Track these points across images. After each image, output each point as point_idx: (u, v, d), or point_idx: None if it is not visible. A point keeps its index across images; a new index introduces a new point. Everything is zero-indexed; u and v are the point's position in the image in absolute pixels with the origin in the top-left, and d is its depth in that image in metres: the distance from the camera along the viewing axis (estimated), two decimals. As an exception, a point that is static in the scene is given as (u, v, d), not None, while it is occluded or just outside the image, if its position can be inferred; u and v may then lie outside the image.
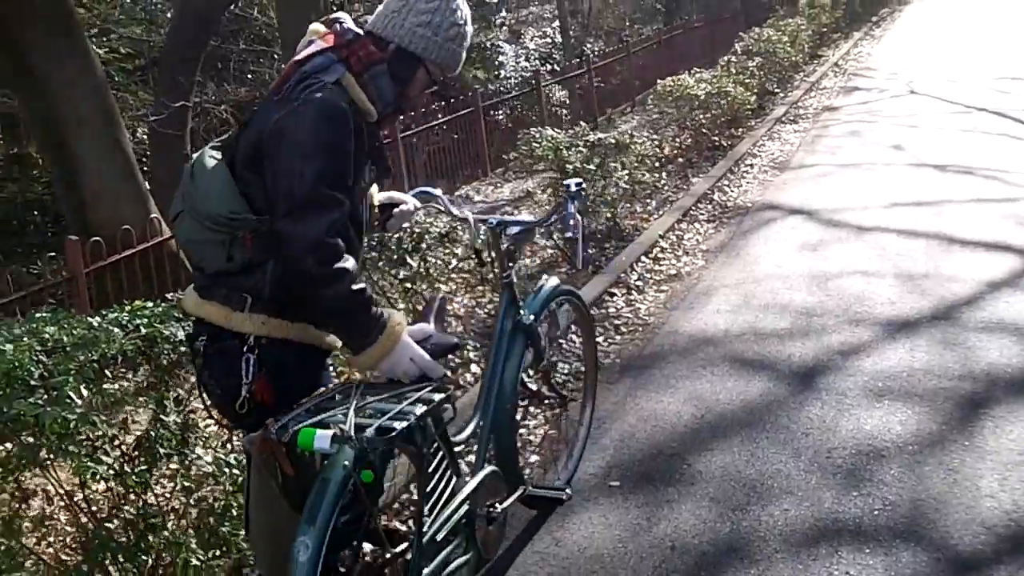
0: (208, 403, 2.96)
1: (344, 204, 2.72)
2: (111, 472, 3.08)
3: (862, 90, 16.11)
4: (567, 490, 4.23)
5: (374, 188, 3.27)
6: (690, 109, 12.17)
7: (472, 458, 3.74)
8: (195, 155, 2.88)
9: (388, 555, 2.83)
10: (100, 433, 3.00)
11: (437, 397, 2.79)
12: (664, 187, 10.02)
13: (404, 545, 2.90)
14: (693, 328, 6.19)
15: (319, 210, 2.64)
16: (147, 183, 10.33)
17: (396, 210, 3.53)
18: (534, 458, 4.76)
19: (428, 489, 2.91)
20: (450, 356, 5.24)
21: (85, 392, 3.01)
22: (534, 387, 4.29)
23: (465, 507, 3.16)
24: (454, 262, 5.68)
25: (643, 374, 5.53)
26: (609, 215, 8.22)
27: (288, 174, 2.66)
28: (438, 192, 3.82)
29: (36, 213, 13.19)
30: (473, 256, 4.06)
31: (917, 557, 3.62)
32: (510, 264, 3.85)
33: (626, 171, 8.15)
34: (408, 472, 3.97)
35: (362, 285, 2.72)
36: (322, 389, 2.79)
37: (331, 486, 2.55)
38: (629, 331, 6.29)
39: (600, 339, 6.13)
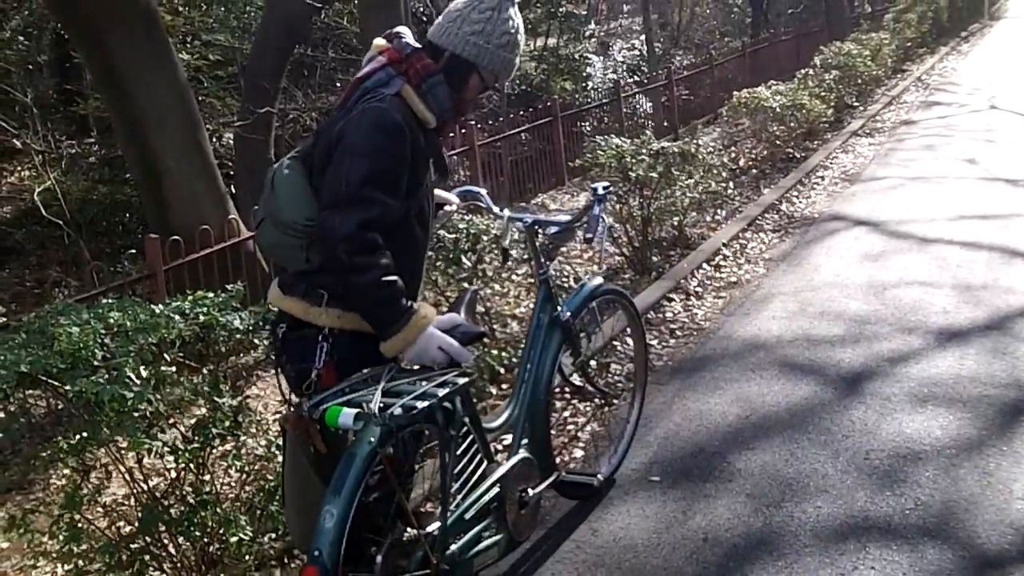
0: (282, 381, 3.21)
1: (387, 204, 2.95)
2: (166, 450, 3.30)
3: (942, 104, 15.96)
4: (598, 475, 4.40)
5: None
6: (765, 121, 12.22)
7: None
8: (275, 166, 3.15)
9: (416, 532, 2.99)
10: (154, 410, 3.22)
11: (461, 380, 2.98)
12: (735, 197, 10.10)
13: (435, 524, 3.06)
14: (747, 333, 6.30)
15: (358, 207, 2.89)
16: (231, 187, 10.69)
17: (443, 210, 3.75)
18: (579, 452, 4.92)
19: (456, 470, 3.12)
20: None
21: (143, 372, 3.24)
22: (578, 383, 4.50)
23: (496, 489, 3.36)
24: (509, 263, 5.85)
25: (693, 376, 5.65)
26: (675, 223, 8.33)
27: (338, 172, 2.94)
28: (481, 190, 4.07)
29: (126, 215, 13.54)
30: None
31: (943, 555, 3.71)
32: (546, 261, 4.06)
33: (692, 180, 8.26)
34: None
35: (392, 278, 2.92)
36: (359, 373, 2.96)
37: (356, 460, 2.73)
38: (684, 335, 6.42)
39: (654, 342, 6.27)
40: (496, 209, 4.08)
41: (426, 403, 2.77)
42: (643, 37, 25.00)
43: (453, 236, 5.41)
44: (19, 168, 15.40)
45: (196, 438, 3.41)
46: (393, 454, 2.92)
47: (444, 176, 3.37)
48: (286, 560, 4.05)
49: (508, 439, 4.06)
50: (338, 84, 18.22)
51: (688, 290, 7.30)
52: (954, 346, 5.73)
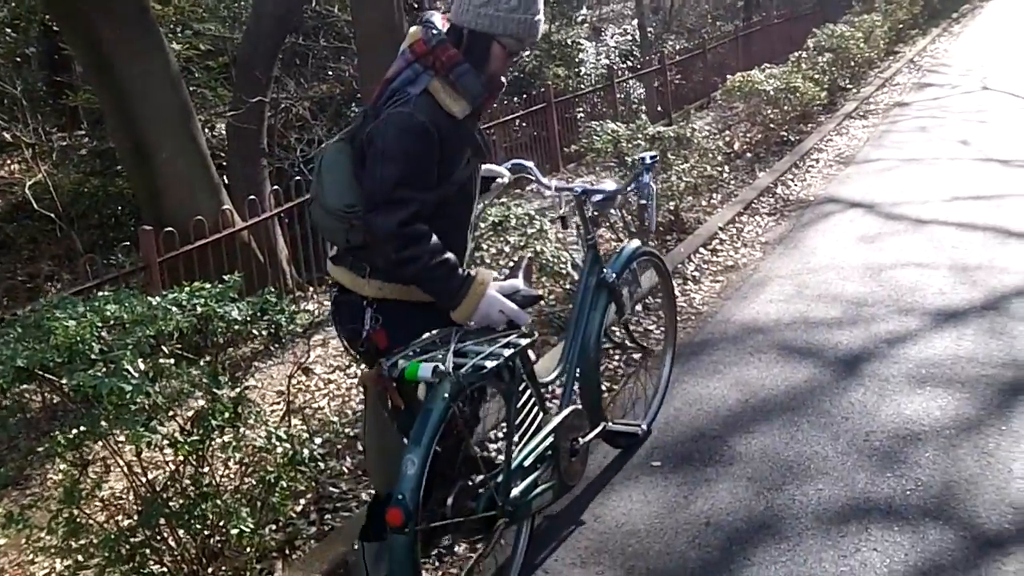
0: (341, 339, 3.56)
1: (421, 199, 3.15)
2: (165, 442, 3.29)
3: (935, 86, 15.95)
4: (643, 425, 4.69)
5: None
6: (759, 104, 12.21)
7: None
8: (323, 148, 3.40)
9: (482, 477, 3.30)
10: (153, 403, 3.20)
11: (524, 341, 3.31)
12: (730, 181, 10.09)
13: (497, 470, 3.36)
14: (745, 317, 6.29)
15: (394, 207, 3.10)
16: (224, 177, 10.64)
17: (494, 183, 3.95)
18: (619, 405, 5.02)
19: (517, 422, 3.44)
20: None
21: (141, 365, 3.23)
22: (618, 339, 4.90)
23: (550, 439, 3.66)
24: (507, 249, 5.87)
25: (692, 360, 5.64)
26: (672, 208, 8.32)
27: (372, 177, 3.15)
28: (529, 163, 4.34)
29: (118, 207, 13.49)
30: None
31: (944, 535, 3.72)
32: (594, 227, 4.39)
33: (688, 165, 8.25)
34: (500, 409, 4.25)
35: (444, 257, 3.18)
36: (426, 334, 3.20)
37: (433, 413, 3.01)
38: (682, 319, 6.40)
39: (652, 327, 6.27)
40: (545, 181, 4.38)
41: (494, 362, 3.10)
42: (635, 22, 24.90)
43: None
44: (9, 162, 15.32)
45: (195, 430, 3.40)
46: (463, 407, 3.19)
47: (484, 160, 3.54)
48: (287, 552, 4.05)
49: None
50: (330, 73, 18.17)
51: (685, 274, 7.29)
52: (951, 327, 5.73)
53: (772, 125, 12.31)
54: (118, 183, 12.96)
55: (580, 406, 4.06)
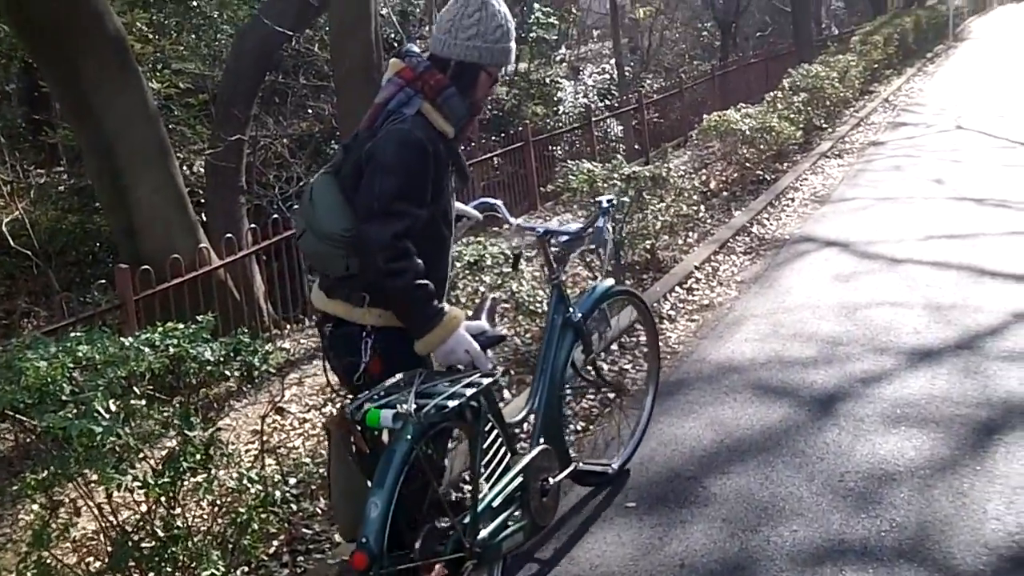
0: (330, 376, 3.62)
1: (416, 215, 3.26)
2: (136, 484, 3.27)
3: (909, 125, 16.08)
4: (613, 465, 4.66)
5: None
6: (735, 144, 12.29)
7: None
8: (312, 179, 3.46)
9: (450, 521, 3.28)
10: (124, 443, 3.18)
11: (486, 381, 3.30)
12: (706, 220, 10.13)
13: (465, 512, 3.36)
14: (720, 356, 6.31)
15: (390, 219, 3.18)
16: (202, 215, 10.63)
17: (461, 221, 4.07)
18: (595, 442, 5.08)
19: (484, 462, 3.45)
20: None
21: (112, 406, 3.21)
22: (592, 377, 4.85)
23: (519, 479, 3.64)
24: (482, 288, 5.87)
25: (667, 400, 5.63)
26: (648, 247, 8.35)
27: (370, 188, 3.23)
28: (497, 202, 4.43)
29: (96, 244, 13.46)
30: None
31: (918, 576, 3.72)
32: (559, 267, 4.39)
33: (664, 204, 8.29)
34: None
35: (425, 282, 3.24)
36: (390, 379, 3.22)
37: (396, 456, 3.02)
38: (646, 346, 6.39)
39: (628, 366, 6.29)
40: (511, 220, 4.44)
41: (456, 402, 3.09)
42: (613, 61, 25.10)
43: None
44: (-13, 198, 15.28)
45: (167, 471, 3.38)
46: (427, 450, 3.20)
47: (465, 181, 3.67)
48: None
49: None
50: (309, 110, 18.20)
51: (661, 313, 7.30)
52: (926, 366, 5.76)
53: (748, 164, 12.38)
54: (96, 220, 12.94)
55: (548, 445, 4.04)
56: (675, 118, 18.34)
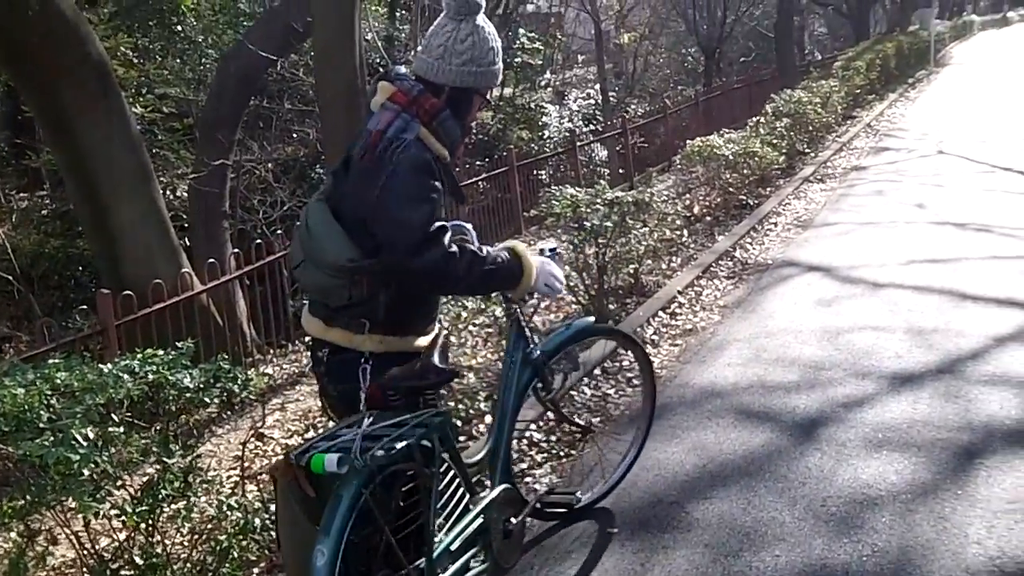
0: (326, 403, 3.63)
1: (447, 228, 3.32)
2: (115, 512, 3.25)
3: (891, 150, 16.16)
4: (576, 494, 4.52)
5: None
6: (718, 169, 12.33)
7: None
8: (307, 209, 3.43)
9: (405, 569, 3.16)
10: (102, 471, 3.17)
11: (436, 420, 3.26)
12: (689, 245, 10.16)
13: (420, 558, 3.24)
14: (703, 381, 6.31)
15: (437, 237, 3.25)
16: (186, 239, 10.62)
17: None
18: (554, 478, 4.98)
19: (439, 504, 3.33)
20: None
21: (90, 434, 3.20)
22: (566, 413, 4.82)
23: (480, 520, 3.58)
24: (464, 313, 5.87)
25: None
26: (631, 271, 8.37)
27: (401, 223, 3.22)
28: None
29: (79, 269, 13.44)
30: None
31: (900, 601, 3.72)
32: (515, 303, 4.16)
33: (647, 228, 8.31)
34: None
35: (484, 255, 3.43)
36: (337, 425, 3.18)
37: (343, 501, 2.92)
38: (641, 384, 6.41)
39: (611, 391, 6.29)
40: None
41: (404, 443, 3.03)
42: (598, 86, 25.24)
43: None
44: (-31, 223, 15.24)
45: (145, 499, 3.36)
46: (377, 493, 3.04)
47: (461, 201, 3.76)
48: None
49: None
50: (294, 135, 18.22)
51: (644, 338, 7.29)
52: (907, 390, 5.77)
53: (731, 189, 12.42)
54: (79, 245, 12.94)
55: (510, 484, 3.95)
56: (660, 143, 18.44)
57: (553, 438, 5.56)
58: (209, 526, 3.66)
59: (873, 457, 4.94)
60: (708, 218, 11.80)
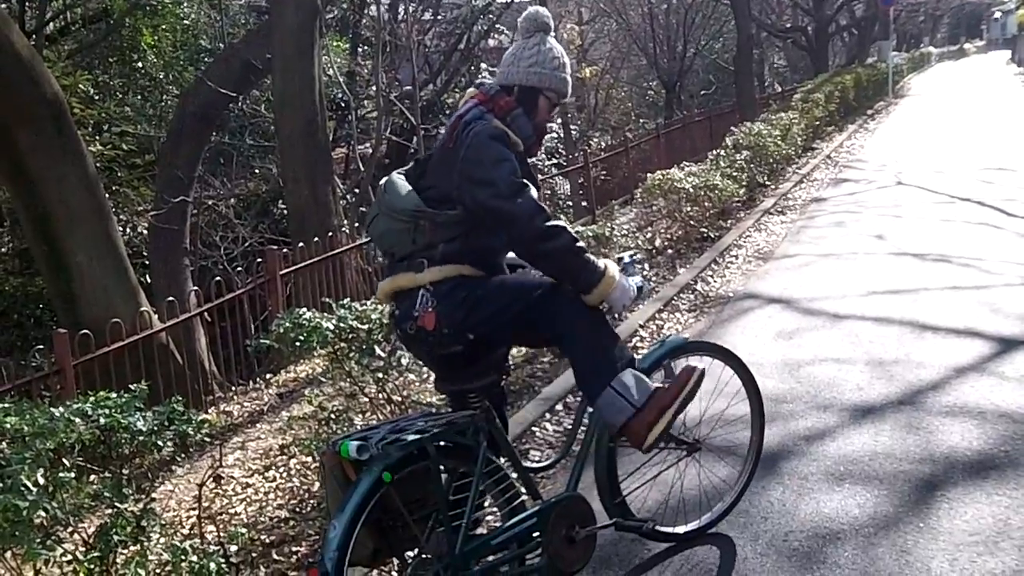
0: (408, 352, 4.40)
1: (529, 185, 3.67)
2: (66, 559, 3.19)
3: (851, 181, 16.32)
4: (648, 522, 4.42)
5: None
6: (679, 202, 12.37)
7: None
8: (385, 178, 3.82)
9: (423, 555, 3.53)
10: (52, 516, 3.11)
11: (460, 421, 3.62)
12: (650, 278, 10.17)
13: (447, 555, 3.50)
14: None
15: (523, 190, 3.61)
16: (146, 276, 10.53)
17: None
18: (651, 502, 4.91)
19: (478, 499, 3.63)
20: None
21: (40, 479, 3.14)
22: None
23: (533, 520, 3.78)
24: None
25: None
26: (592, 306, 8.33)
27: (488, 182, 3.59)
28: None
29: (38, 307, 13.32)
30: None
31: (863, 637, 3.71)
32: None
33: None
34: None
35: (581, 242, 3.67)
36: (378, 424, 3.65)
37: (360, 485, 3.27)
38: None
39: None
40: None
41: (414, 437, 3.35)
42: (560, 120, 25.37)
43: (366, 326, 5.35)
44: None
45: (98, 545, 3.30)
46: (404, 483, 3.36)
47: (537, 189, 3.86)
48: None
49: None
50: (256, 171, 18.18)
51: (606, 373, 7.26)
52: (869, 423, 5.78)
53: (692, 222, 12.46)
54: (38, 283, 12.83)
55: (579, 494, 4.06)
56: (622, 175, 18.51)
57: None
58: (165, 570, 3.59)
59: (835, 490, 4.94)
60: (670, 251, 11.82)
